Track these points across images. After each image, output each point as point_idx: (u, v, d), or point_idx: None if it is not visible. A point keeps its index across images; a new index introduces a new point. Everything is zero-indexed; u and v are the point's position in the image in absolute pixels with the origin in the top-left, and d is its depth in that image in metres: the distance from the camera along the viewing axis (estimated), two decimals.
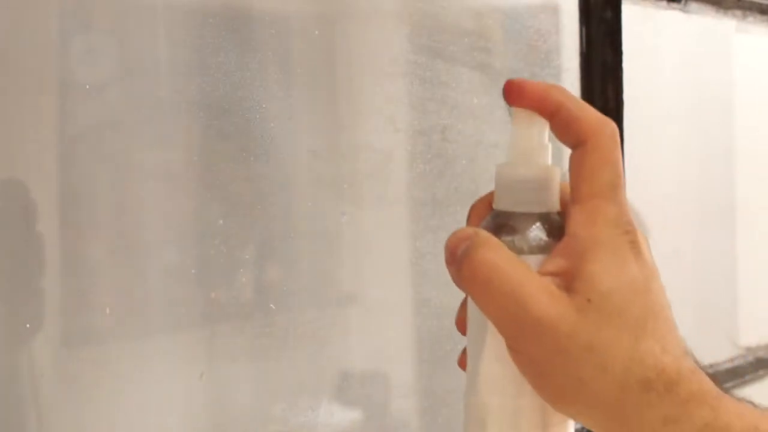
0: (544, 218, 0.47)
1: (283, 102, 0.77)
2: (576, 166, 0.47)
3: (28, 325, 0.61)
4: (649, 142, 1.20)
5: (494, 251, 0.45)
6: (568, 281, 0.44)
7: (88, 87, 0.64)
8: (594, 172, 0.46)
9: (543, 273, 0.44)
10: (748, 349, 1.41)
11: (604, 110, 1.07)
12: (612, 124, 0.47)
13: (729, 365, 1.35)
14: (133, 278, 0.67)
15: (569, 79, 1.06)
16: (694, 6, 1.28)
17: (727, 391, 0.45)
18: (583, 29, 1.07)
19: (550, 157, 0.50)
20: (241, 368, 0.74)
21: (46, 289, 0.62)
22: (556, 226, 0.47)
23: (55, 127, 0.63)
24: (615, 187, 0.46)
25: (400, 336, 0.88)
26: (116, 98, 0.66)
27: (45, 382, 0.62)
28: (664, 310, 0.46)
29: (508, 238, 0.46)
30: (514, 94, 0.47)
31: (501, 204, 0.48)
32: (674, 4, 1.24)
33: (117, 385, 0.66)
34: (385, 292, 0.87)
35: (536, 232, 0.47)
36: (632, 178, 1.12)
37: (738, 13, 1.37)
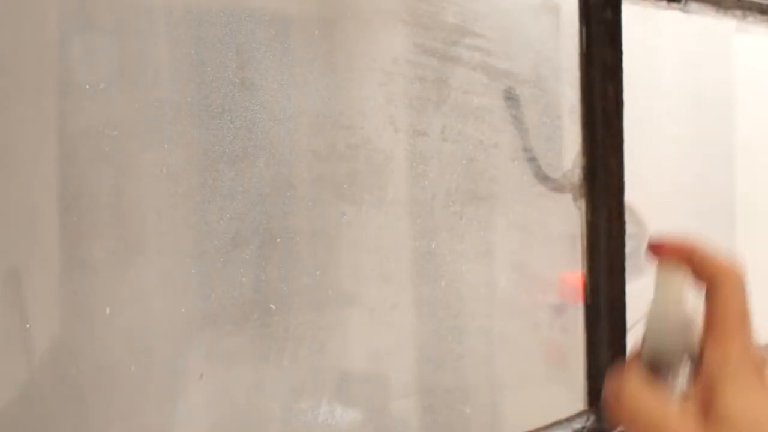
0: (690, 357, 0.54)
1: (283, 102, 0.77)
2: (710, 307, 0.54)
3: (28, 325, 0.61)
4: (649, 142, 1.20)
5: (641, 389, 0.52)
6: (704, 412, 0.50)
7: (88, 87, 0.64)
8: (725, 313, 0.53)
9: (683, 405, 0.51)
10: None
11: (604, 110, 1.07)
12: (740, 268, 0.55)
13: None
14: (133, 278, 0.67)
15: (569, 79, 1.07)
16: (694, 6, 1.28)
17: None
18: (583, 29, 1.07)
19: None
20: (241, 368, 0.74)
21: (46, 289, 0.62)
22: (697, 363, 0.54)
23: (55, 127, 0.63)
24: (743, 325, 0.52)
25: (400, 336, 0.88)
26: (116, 98, 0.66)
27: (45, 382, 0.62)
28: None
29: (659, 375, 0.54)
30: (656, 249, 0.56)
31: (651, 345, 0.56)
32: (674, 4, 1.24)
33: (116, 384, 0.66)
34: (385, 292, 0.87)
35: (683, 370, 0.54)
36: (632, 178, 1.12)
37: (738, 13, 1.37)
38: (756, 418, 0.50)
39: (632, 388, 0.53)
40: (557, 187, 1.04)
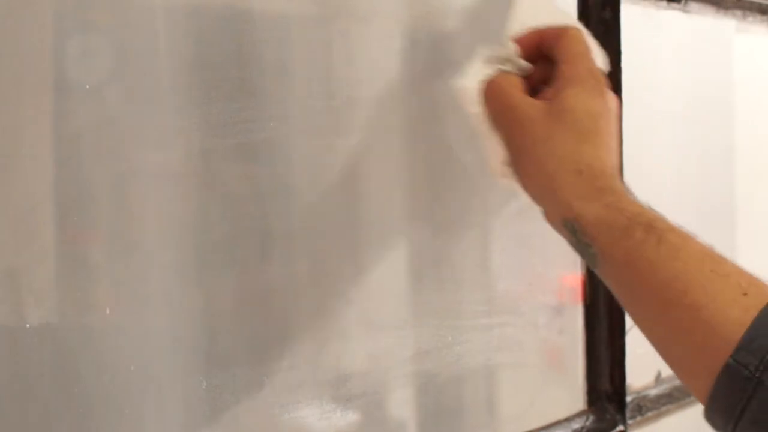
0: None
1: (282, 102, 0.77)
2: (560, 48, 0.72)
3: (27, 325, 0.61)
4: (649, 142, 1.20)
5: (508, 82, 0.72)
6: (550, 105, 0.69)
7: (88, 87, 0.64)
8: (571, 48, 0.71)
9: (536, 98, 0.71)
10: None
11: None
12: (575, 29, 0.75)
13: None
14: (133, 278, 0.67)
15: None
16: (694, 6, 1.28)
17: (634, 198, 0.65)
18: None
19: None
20: (241, 368, 0.74)
21: (46, 289, 0.62)
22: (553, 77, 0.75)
23: (55, 127, 0.63)
24: (587, 55, 0.71)
25: (400, 336, 0.88)
26: (116, 98, 0.66)
27: (45, 382, 0.62)
28: (608, 136, 0.68)
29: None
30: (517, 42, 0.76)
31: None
32: (674, 4, 1.24)
33: (116, 384, 0.66)
34: (385, 292, 0.87)
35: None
36: (632, 178, 1.12)
37: (738, 13, 1.37)
38: (587, 110, 0.67)
39: (505, 80, 0.72)
40: None
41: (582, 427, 1.06)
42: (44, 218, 0.62)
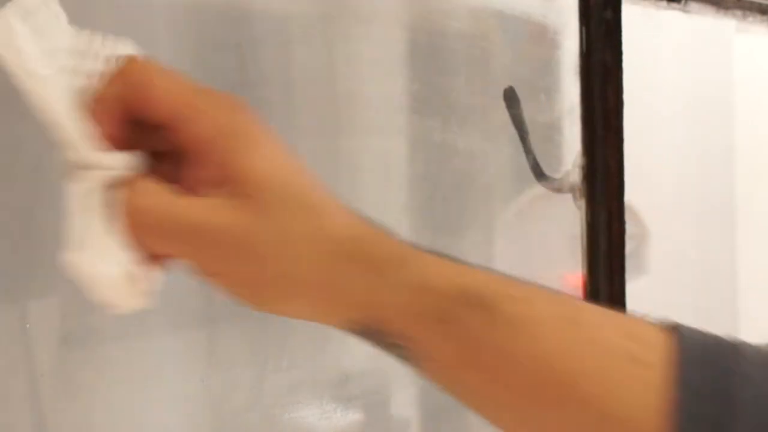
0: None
1: (283, 102, 0.77)
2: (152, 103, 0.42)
3: (28, 325, 0.61)
4: (649, 142, 1.20)
5: (147, 196, 0.41)
6: (229, 192, 0.41)
7: None
8: (174, 99, 0.42)
9: (202, 194, 0.41)
10: None
11: (604, 110, 1.07)
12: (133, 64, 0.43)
13: None
14: None
15: (569, 79, 1.06)
16: (694, 6, 1.28)
17: (417, 245, 0.44)
18: (583, 29, 1.07)
19: None
20: (241, 368, 0.74)
21: (46, 289, 0.62)
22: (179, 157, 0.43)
23: None
24: (189, 86, 0.42)
25: None
26: None
27: (45, 382, 0.62)
28: (320, 188, 0.45)
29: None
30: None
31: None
32: (674, 4, 1.24)
33: (117, 384, 0.66)
34: None
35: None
36: (632, 178, 1.12)
37: (738, 13, 1.37)
38: (280, 177, 0.43)
39: (145, 196, 0.41)
40: (557, 187, 1.04)
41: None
42: (45, 218, 0.62)
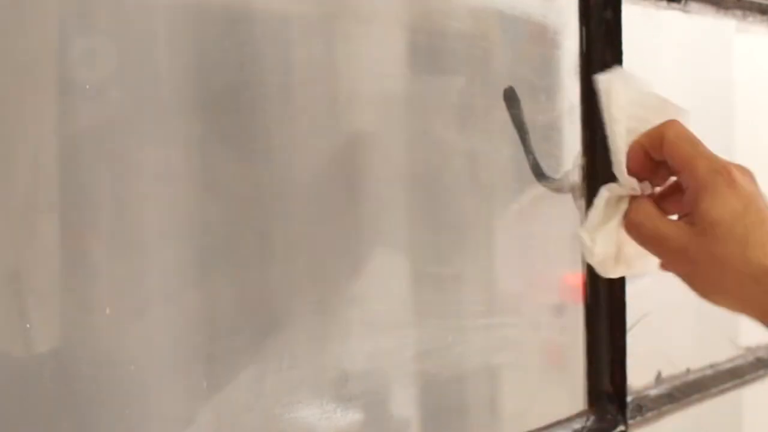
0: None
1: (283, 102, 0.77)
2: (667, 151, 0.68)
3: (28, 325, 0.61)
4: None
5: (647, 212, 0.69)
6: (692, 223, 0.66)
7: (88, 87, 0.64)
8: (679, 147, 0.67)
9: (677, 221, 0.68)
10: (748, 349, 1.41)
11: None
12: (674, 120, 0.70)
13: (729, 365, 1.35)
14: (133, 278, 0.67)
15: (569, 79, 1.07)
16: (694, 6, 1.28)
17: None
18: (583, 29, 1.07)
19: None
20: (241, 368, 0.74)
21: (46, 289, 0.62)
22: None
23: (55, 127, 0.63)
24: (696, 146, 0.67)
25: (400, 336, 0.88)
26: (116, 98, 0.66)
27: (45, 382, 0.62)
28: (764, 225, 0.65)
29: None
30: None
31: None
32: (674, 4, 1.24)
33: (116, 385, 0.66)
34: (385, 293, 0.87)
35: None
36: None
37: (738, 13, 1.37)
38: (732, 215, 0.64)
39: (641, 213, 0.68)
40: (557, 187, 1.04)
41: (582, 427, 1.06)
42: (44, 218, 0.62)
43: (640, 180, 0.69)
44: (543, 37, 1.04)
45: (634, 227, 0.68)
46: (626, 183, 0.69)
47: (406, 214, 0.88)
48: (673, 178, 0.70)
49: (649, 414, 1.16)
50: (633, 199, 0.69)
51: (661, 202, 0.70)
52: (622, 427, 1.10)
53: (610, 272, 0.71)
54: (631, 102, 0.70)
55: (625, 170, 0.69)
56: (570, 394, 1.08)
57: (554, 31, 1.05)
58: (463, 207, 0.94)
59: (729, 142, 1.39)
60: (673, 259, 0.68)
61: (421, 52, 0.88)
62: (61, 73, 0.63)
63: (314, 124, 0.80)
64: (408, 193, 0.88)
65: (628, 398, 1.11)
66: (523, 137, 0.99)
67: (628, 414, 1.11)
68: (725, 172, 0.66)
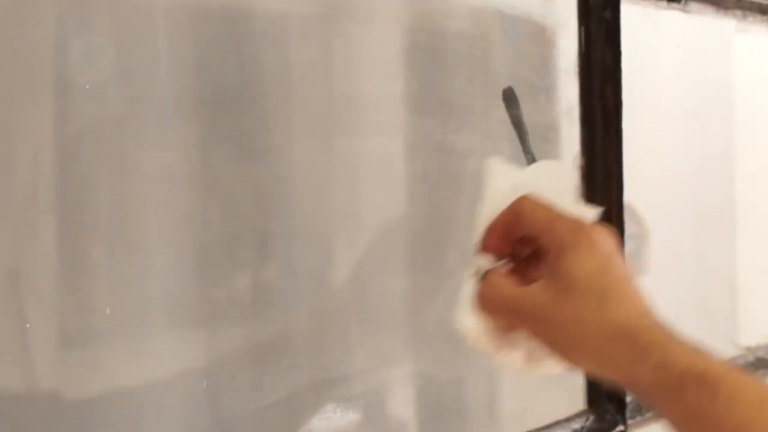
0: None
1: (282, 102, 0.77)
2: (522, 219, 0.65)
3: (28, 325, 0.61)
4: (649, 142, 1.20)
5: (499, 282, 0.65)
6: (553, 284, 0.62)
7: (88, 87, 0.64)
8: (535, 215, 0.64)
9: (536, 284, 0.63)
10: (748, 349, 1.41)
11: (603, 110, 1.07)
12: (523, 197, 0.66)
13: None
14: (133, 278, 0.67)
15: (568, 79, 1.07)
16: (694, 6, 1.28)
17: (678, 335, 0.61)
18: (583, 29, 1.07)
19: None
20: (241, 368, 0.74)
21: (46, 289, 0.62)
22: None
23: (55, 127, 0.63)
24: (553, 211, 0.63)
25: (400, 336, 0.88)
26: (116, 98, 0.66)
27: (45, 382, 0.62)
28: (622, 283, 0.62)
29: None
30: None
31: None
32: (674, 4, 1.24)
33: (117, 384, 0.66)
34: (385, 293, 0.87)
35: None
36: (632, 178, 1.12)
37: (738, 13, 1.37)
38: (587, 275, 0.62)
39: (491, 287, 0.65)
40: None
41: (582, 427, 1.06)
42: (44, 218, 0.62)
43: (500, 258, 0.66)
44: (542, 37, 1.04)
45: (487, 303, 0.65)
46: (480, 262, 0.66)
47: (406, 214, 0.88)
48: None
49: (649, 414, 1.16)
50: (485, 275, 0.65)
51: (521, 271, 0.66)
52: (621, 427, 1.10)
53: (479, 346, 0.67)
54: (510, 191, 0.67)
55: (478, 248, 0.66)
56: (570, 394, 1.08)
57: (553, 31, 1.05)
58: (463, 207, 0.94)
59: (729, 142, 1.39)
60: (534, 324, 0.64)
61: (420, 52, 0.88)
62: (61, 73, 0.63)
63: (314, 124, 0.80)
64: (408, 192, 0.88)
65: (628, 398, 1.11)
66: (522, 137, 0.99)
67: (628, 414, 1.11)
68: (585, 232, 0.63)
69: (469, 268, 0.66)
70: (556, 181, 0.70)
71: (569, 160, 0.71)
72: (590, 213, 0.67)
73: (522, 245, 0.66)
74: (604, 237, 0.64)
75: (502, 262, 0.66)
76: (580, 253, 0.62)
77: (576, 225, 0.63)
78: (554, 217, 0.64)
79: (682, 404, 0.59)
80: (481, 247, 0.66)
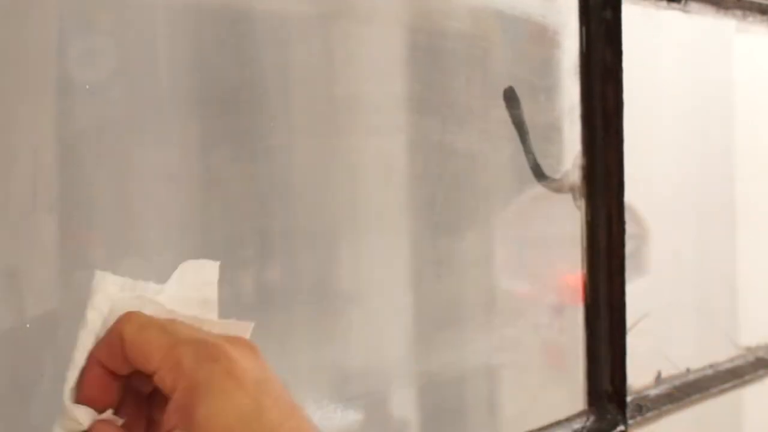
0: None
1: (282, 102, 0.77)
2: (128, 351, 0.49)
3: (28, 325, 0.61)
4: (649, 142, 1.20)
5: None
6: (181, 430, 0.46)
7: (88, 87, 0.64)
8: (149, 346, 0.48)
9: None
10: (748, 349, 1.41)
11: (604, 110, 1.07)
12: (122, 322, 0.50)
13: (729, 365, 1.35)
14: (133, 278, 0.67)
15: (569, 78, 1.07)
16: (694, 6, 1.28)
17: None
18: (583, 29, 1.07)
19: None
20: None
21: (46, 289, 0.62)
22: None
23: (55, 126, 0.63)
24: (171, 332, 0.48)
25: (400, 336, 0.88)
26: (116, 98, 0.66)
27: (45, 382, 0.62)
28: (289, 422, 0.50)
29: None
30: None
31: None
32: (674, 4, 1.24)
33: None
34: (386, 292, 0.87)
35: None
36: (632, 178, 1.12)
37: (738, 13, 1.37)
38: (238, 424, 0.46)
39: None
40: (557, 187, 1.04)
41: (582, 427, 1.06)
42: (44, 218, 0.62)
43: (103, 408, 0.49)
44: (543, 37, 1.04)
45: None
46: (73, 416, 0.48)
47: (406, 214, 0.88)
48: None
49: (649, 414, 1.16)
50: None
51: (138, 423, 0.50)
52: (621, 427, 1.10)
53: None
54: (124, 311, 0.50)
55: (70, 396, 0.49)
56: (570, 394, 1.08)
57: (554, 31, 1.05)
58: (463, 207, 0.94)
59: (729, 142, 1.39)
60: None
61: (420, 52, 0.88)
62: (60, 73, 0.63)
63: (314, 124, 0.80)
64: (408, 192, 0.88)
65: (628, 398, 1.11)
66: (523, 137, 0.99)
67: (628, 414, 1.11)
68: (222, 358, 0.47)
69: (56, 428, 0.50)
70: (195, 289, 0.53)
71: (213, 263, 0.54)
72: (239, 328, 0.51)
73: (140, 381, 0.49)
74: (246, 357, 0.48)
75: (107, 413, 0.49)
76: (216, 398, 0.46)
77: (207, 350, 0.47)
78: (174, 342, 0.47)
79: None
80: (75, 395, 0.49)
